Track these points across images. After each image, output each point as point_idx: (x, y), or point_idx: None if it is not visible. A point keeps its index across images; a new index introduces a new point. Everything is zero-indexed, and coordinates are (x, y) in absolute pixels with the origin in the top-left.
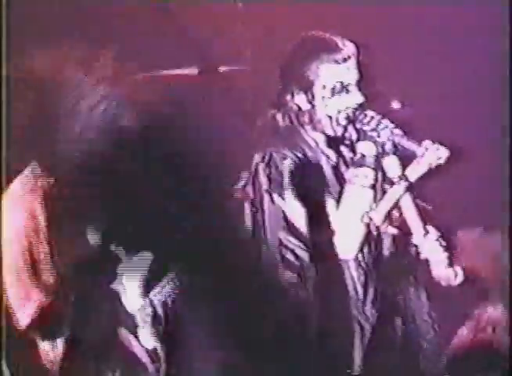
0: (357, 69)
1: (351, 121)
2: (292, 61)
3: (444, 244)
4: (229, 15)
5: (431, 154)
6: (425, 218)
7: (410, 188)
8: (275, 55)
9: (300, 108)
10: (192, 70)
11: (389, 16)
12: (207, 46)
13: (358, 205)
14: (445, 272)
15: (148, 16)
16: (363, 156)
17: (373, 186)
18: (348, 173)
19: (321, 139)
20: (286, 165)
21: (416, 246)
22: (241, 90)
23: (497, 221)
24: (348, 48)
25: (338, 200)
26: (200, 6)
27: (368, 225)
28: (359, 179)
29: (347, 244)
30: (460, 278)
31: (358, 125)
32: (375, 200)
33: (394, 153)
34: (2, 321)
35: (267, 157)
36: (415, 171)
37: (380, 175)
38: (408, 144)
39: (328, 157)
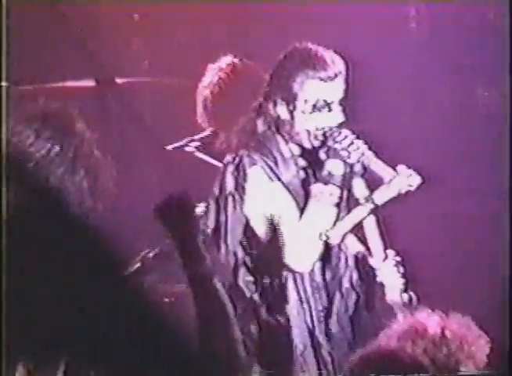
0: (343, 87)
1: (326, 137)
2: (280, 70)
3: (402, 270)
4: (127, 27)
5: (402, 179)
6: (386, 242)
7: (375, 210)
8: (174, 66)
9: (279, 118)
10: (89, 82)
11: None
12: (105, 58)
13: (320, 222)
14: (399, 299)
15: (45, 26)
16: (330, 174)
17: (338, 205)
18: (314, 188)
19: (296, 151)
20: (252, 172)
21: (373, 269)
22: (140, 102)
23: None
24: (336, 65)
25: (301, 213)
26: (99, 17)
27: (326, 243)
28: (324, 196)
29: (301, 257)
30: (415, 303)
31: (330, 143)
32: (338, 218)
33: (363, 175)
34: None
35: (237, 160)
36: (383, 195)
37: (346, 193)
38: (378, 168)
39: (299, 170)
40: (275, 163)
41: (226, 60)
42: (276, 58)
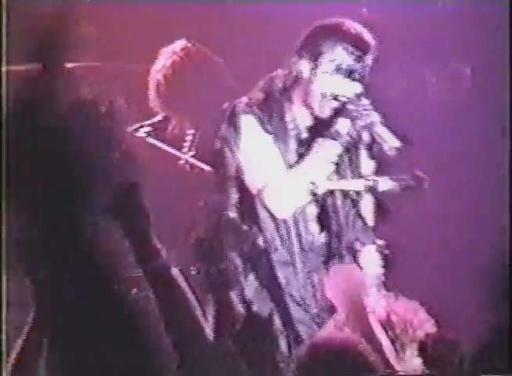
0: (371, 62)
1: (341, 103)
2: (313, 33)
3: (383, 259)
4: (77, 12)
5: (410, 180)
6: (378, 227)
7: (372, 191)
8: (125, 52)
9: (299, 75)
10: (36, 66)
11: None
12: (56, 42)
13: (313, 174)
14: (374, 298)
15: None
16: (337, 132)
17: (336, 164)
18: (317, 142)
19: (302, 121)
20: (246, 119)
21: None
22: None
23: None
24: (370, 42)
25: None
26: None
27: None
28: (324, 150)
29: (284, 203)
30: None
31: (344, 105)
32: (331, 177)
33: (370, 147)
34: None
35: (234, 104)
36: (388, 184)
37: (347, 160)
38: (383, 134)
39: (298, 131)
40: (271, 118)
41: (180, 44)
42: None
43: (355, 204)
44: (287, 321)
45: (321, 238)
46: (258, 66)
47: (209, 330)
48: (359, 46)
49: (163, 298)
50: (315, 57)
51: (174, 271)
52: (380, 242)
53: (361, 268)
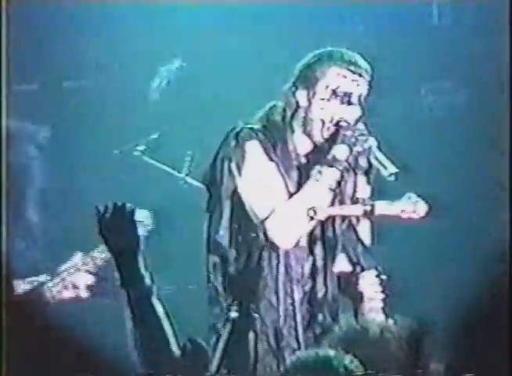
0: (366, 85)
1: (338, 128)
2: (309, 62)
3: (383, 284)
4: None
5: (408, 204)
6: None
7: (368, 215)
8: (120, 71)
9: (298, 105)
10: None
11: None
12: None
13: (313, 202)
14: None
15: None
16: (334, 158)
17: (334, 190)
18: (315, 169)
19: (303, 141)
20: (251, 145)
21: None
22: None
23: None
24: (365, 66)
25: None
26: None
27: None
28: (323, 177)
29: (287, 233)
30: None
31: (341, 131)
32: (332, 204)
33: (367, 172)
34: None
35: (238, 130)
36: (384, 208)
37: (345, 186)
38: (386, 162)
39: (300, 158)
40: (274, 146)
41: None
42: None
43: (353, 227)
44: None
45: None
46: (256, 97)
47: (176, 350)
48: (353, 70)
49: (139, 318)
50: (311, 85)
51: (155, 300)
52: (378, 267)
53: (361, 293)
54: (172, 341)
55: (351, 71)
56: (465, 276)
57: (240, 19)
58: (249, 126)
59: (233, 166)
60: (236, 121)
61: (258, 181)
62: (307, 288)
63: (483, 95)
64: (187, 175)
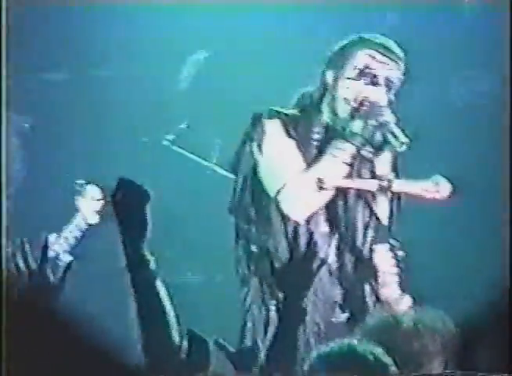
0: (397, 72)
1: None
2: (342, 46)
3: (397, 258)
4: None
5: (430, 183)
6: (391, 227)
7: (385, 191)
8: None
9: (326, 86)
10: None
11: None
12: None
13: (326, 175)
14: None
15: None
16: (351, 132)
17: (350, 165)
18: (331, 144)
19: (325, 116)
20: (269, 124)
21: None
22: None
23: None
24: (398, 54)
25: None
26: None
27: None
28: (339, 152)
29: (300, 205)
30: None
31: (362, 108)
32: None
33: (381, 148)
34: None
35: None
36: (405, 186)
37: (361, 160)
38: (398, 133)
39: (319, 133)
40: (296, 125)
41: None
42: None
43: (368, 203)
44: None
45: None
46: (283, 85)
47: (176, 335)
48: (383, 52)
49: (143, 303)
50: (339, 65)
51: (158, 282)
52: (394, 242)
53: (376, 266)
54: (174, 328)
55: (381, 53)
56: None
57: (268, 8)
58: (274, 108)
59: (254, 145)
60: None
61: (275, 157)
62: (334, 267)
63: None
64: (215, 164)
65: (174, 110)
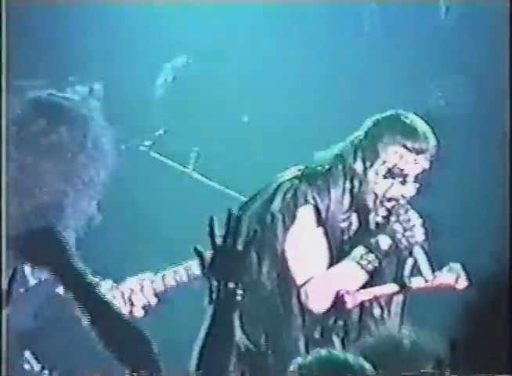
0: (425, 163)
1: (390, 211)
2: (371, 130)
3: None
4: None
5: (448, 277)
6: None
7: (404, 292)
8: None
9: (356, 172)
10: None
11: None
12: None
13: (347, 279)
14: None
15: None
16: (377, 244)
17: (370, 274)
18: (357, 249)
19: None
20: (302, 211)
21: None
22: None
23: None
24: (428, 141)
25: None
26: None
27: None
28: (362, 261)
29: (319, 301)
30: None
31: (391, 217)
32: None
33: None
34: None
35: (293, 189)
36: (421, 282)
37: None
38: (422, 264)
39: (347, 220)
40: (328, 206)
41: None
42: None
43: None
44: None
45: None
46: (260, 93)
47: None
48: (412, 147)
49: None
50: (368, 158)
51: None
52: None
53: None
54: None
55: (410, 150)
56: None
57: (247, 16)
58: (306, 187)
59: (282, 226)
60: (241, 117)
61: (303, 244)
62: None
63: (490, 92)
64: (194, 170)
65: (151, 117)
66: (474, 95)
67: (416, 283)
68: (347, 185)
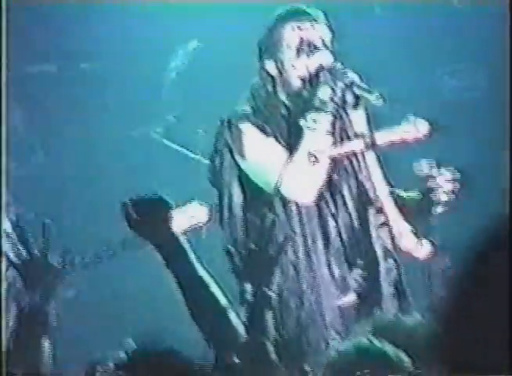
0: (326, 30)
1: (318, 74)
2: (266, 33)
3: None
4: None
5: (408, 125)
6: (390, 182)
7: (371, 147)
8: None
9: (272, 76)
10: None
11: None
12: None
13: (315, 149)
14: (414, 244)
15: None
16: (321, 100)
17: (332, 134)
18: (307, 118)
19: (286, 95)
20: (244, 129)
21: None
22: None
23: None
24: (312, 12)
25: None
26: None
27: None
28: (317, 124)
29: (304, 188)
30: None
31: (320, 74)
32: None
33: (356, 106)
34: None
35: (228, 118)
36: (386, 136)
37: (340, 125)
38: (363, 91)
39: (286, 111)
40: (266, 117)
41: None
42: None
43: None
44: None
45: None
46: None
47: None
48: (303, 19)
49: (191, 297)
50: (274, 54)
51: (202, 272)
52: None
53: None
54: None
55: (301, 21)
56: None
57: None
58: (239, 111)
59: (236, 155)
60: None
61: (262, 158)
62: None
63: (500, 77)
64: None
65: (162, 103)
66: (485, 82)
67: (382, 137)
68: (269, 88)
